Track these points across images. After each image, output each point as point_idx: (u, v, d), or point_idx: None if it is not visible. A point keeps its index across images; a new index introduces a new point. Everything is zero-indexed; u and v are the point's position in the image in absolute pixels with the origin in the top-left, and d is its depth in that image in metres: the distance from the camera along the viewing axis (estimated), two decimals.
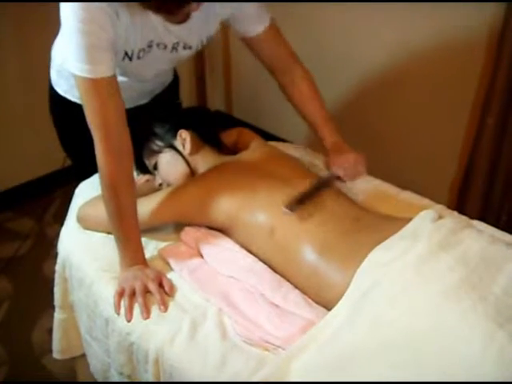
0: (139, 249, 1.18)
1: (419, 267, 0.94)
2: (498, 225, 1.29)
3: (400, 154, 2.20)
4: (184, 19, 1.11)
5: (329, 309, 1.02)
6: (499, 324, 0.82)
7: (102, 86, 1.07)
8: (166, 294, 1.12)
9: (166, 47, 1.19)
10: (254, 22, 1.25)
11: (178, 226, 1.30)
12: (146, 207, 1.22)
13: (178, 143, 1.36)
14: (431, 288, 0.90)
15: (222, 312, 1.08)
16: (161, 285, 1.13)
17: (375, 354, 0.87)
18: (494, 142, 1.79)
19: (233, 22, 1.25)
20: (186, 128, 1.36)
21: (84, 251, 1.26)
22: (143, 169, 1.41)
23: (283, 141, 1.83)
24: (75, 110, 1.36)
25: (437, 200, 1.38)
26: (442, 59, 1.91)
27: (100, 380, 1.31)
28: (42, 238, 2.25)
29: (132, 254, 1.16)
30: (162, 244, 1.27)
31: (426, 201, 1.38)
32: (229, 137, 1.51)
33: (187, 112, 1.47)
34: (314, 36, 2.26)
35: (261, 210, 1.17)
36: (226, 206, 1.21)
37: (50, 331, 1.45)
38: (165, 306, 1.09)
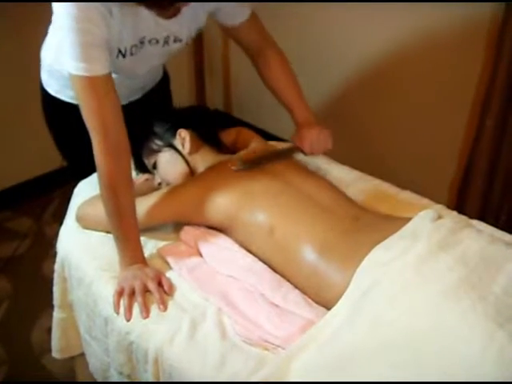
0: (138, 248, 1.18)
1: (419, 267, 0.94)
2: (498, 224, 1.29)
3: (400, 154, 2.20)
4: (175, 14, 1.13)
5: (328, 308, 1.02)
6: (499, 324, 0.82)
7: (98, 84, 1.07)
8: (166, 293, 1.12)
9: (157, 42, 1.21)
10: (237, 13, 1.29)
11: (178, 226, 1.30)
12: (145, 206, 1.22)
13: (177, 142, 1.36)
14: (431, 288, 0.90)
15: (221, 311, 1.08)
16: (160, 284, 1.13)
17: (375, 353, 0.87)
18: (494, 142, 1.80)
19: (217, 14, 1.28)
20: (186, 127, 1.36)
21: (83, 250, 1.26)
22: (142, 168, 1.41)
23: (283, 140, 1.83)
24: (68, 109, 1.37)
25: (436, 200, 1.38)
26: (441, 59, 1.91)
27: (99, 379, 1.31)
28: (41, 237, 2.25)
29: (131, 252, 1.16)
30: (162, 243, 1.27)
31: (425, 200, 1.38)
32: (228, 136, 1.51)
33: (186, 111, 1.47)
34: (313, 35, 2.26)
35: (260, 209, 1.17)
36: (225, 205, 1.21)
37: (49, 331, 1.45)
38: (164, 305, 1.09)
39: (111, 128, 1.09)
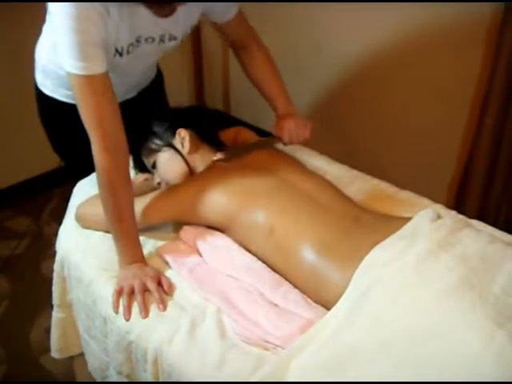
0: (137, 247, 1.18)
1: (418, 267, 0.94)
2: (496, 224, 1.29)
3: (399, 153, 2.20)
4: (171, 12, 1.17)
5: (328, 308, 1.02)
6: (499, 324, 0.82)
7: (96, 83, 1.08)
8: (165, 292, 1.12)
9: (153, 40, 1.22)
10: (226, 11, 1.34)
11: (177, 225, 1.30)
12: (144, 206, 1.22)
13: (176, 142, 1.35)
14: (430, 288, 0.90)
15: (220, 311, 1.08)
16: (159, 283, 1.13)
17: (375, 353, 0.87)
18: (493, 142, 1.80)
19: (208, 11, 1.32)
20: (185, 127, 1.36)
21: (82, 250, 1.26)
22: (142, 168, 1.40)
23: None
24: (63, 109, 1.37)
25: (435, 199, 1.38)
26: (441, 58, 1.91)
27: (98, 379, 1.31)
28: (40, 236, 2.24)
29: (130, 252, 1.16)
30: (161, 242, 1.27)
31: (424, 200, 1.38)
32: (227, 136, 1.51)
33: (186, 111, 1.46)
34: (311, 35, 2.26)
35: (260, 209, 1.17)
36: (224, 205, 1.21)
37: (48, 330, 1.45)
38: (163, 304, 1.09)
39: (109, 126, 1.10)
